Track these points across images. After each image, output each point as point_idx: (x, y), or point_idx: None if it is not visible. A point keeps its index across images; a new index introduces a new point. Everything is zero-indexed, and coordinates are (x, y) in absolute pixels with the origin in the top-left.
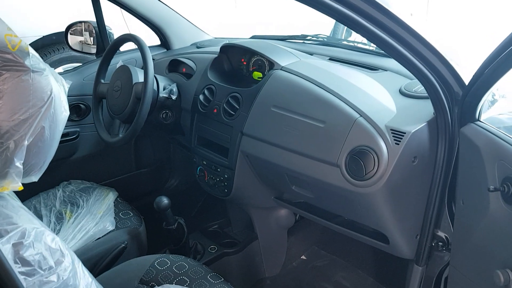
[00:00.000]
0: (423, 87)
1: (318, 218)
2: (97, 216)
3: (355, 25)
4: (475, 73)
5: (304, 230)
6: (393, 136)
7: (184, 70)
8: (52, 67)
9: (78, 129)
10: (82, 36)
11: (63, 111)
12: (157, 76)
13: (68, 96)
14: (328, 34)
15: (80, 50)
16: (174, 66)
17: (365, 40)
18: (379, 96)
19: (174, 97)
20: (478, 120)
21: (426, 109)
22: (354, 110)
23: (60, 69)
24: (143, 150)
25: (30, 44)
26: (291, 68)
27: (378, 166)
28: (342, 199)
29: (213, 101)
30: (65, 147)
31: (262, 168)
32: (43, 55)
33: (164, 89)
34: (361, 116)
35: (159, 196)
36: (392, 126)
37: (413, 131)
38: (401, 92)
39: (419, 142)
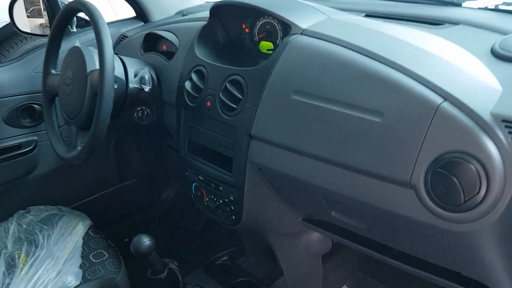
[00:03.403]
0: None
1: (369, 250)
2: (60, 261)
3: None
4: None
5: (343, 252)
6: (508, 131)
7: (164, 47)
8: None
9: (35, 138)
10: (43, 17)
11: None
12: (125, 59)
13: (14, 96)
14: None
15: (30, 32)
16: (151, 43)
17: None
18: (466, 65)
19: (146, 88)
20: None
21: None
22: (433, 90)
23: None
24: (128, 157)
25: None
26: (318, 30)
27: (488, 186)
28: (417, 237)
29: (204, 89)
30: (18, 164)
31: (283, 186)
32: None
33: (135, 77)
34: (446, 100)
35: (138, 234)
36: (503, 114)
37: None
38: (497, 54)
39: None
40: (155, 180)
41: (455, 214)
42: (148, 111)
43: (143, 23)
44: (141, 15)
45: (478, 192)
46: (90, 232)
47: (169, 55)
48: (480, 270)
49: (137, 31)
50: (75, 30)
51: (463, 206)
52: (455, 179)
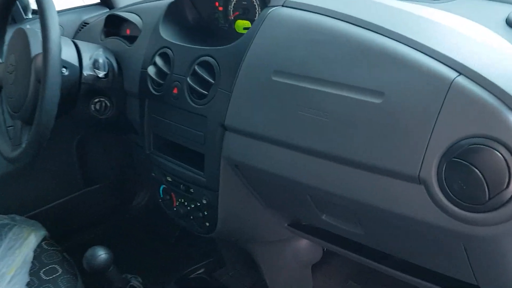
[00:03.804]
0: None
1: (366, 260)
2: (5, 280)
3: None
4: None
5: (335, 260)
6: None
7: (128, 31)
8: None
9: None
10: None
11: None
12: (80, 43)
13: None
14: None
15: None
16: (114, 27)
17: None
18: (481, 35)
19: (101, 74)
20: None
21: None
22: (444, 63)
23: None
24: (93, 158)
25: None
26: (303, 1)
27: None
28: (426, 243)
29: (170, 74)
30: None
31: (265, 186)
32: None
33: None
34: (461, 74)
35: (93, 247)
36: None
37: None
38: None
39: None
40: (125, 183)
41: (477, 215)
42: (108, 103)
43: (108, 10)
44: (106, 0)
45: (507, 187)
46: (43, 245)
47: (133, 39)
48: (505, 283)
49: (100, 17)
50: (30, 16)
51: (488, 205)
52: (476, 171)
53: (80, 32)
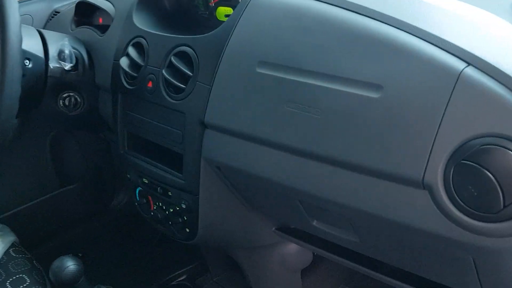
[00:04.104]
0: None
1: (361, 267)
2: None
3: None
4: None
5: (326, 264)
6: None
7: (100, 20)
8: None
9: None
10: None
11: None
12: (46, 33)
13: None
14: None
15: None
16: (85, 16)
17: None
18: (487, 22)
19: (67, 66)
20: None
21: None
22: (451, 53)
23: None
24: (69, 156)
25: None
26: None
27: None
28: (430, 254)
29: (144, 66)
30: None
31: (249, 190)
32: None
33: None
34: (470, 64)
35: (61, 257)
36: None
37: None
38: None
39: None
40: (104, 183)
41: (489, 225)
42: (78, 98)
43: None
44: None
45: None
46: (11, 252)
47: (105, 28)
48: None
49: (72, 5)
50: None
51: (502, 213)
52: (489, 175)
53: (50, 22)
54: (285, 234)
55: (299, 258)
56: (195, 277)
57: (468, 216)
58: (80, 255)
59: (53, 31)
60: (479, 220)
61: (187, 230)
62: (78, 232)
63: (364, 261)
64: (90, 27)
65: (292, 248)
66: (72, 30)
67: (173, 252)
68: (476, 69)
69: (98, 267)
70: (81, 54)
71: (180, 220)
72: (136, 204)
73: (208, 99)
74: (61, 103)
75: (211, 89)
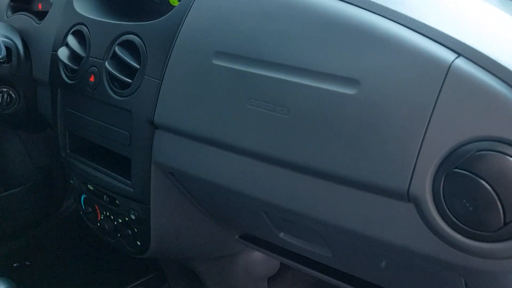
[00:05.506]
0: None
1: (333, 280)
2: None
3: None
4: None
5: (292, 270)
6: None
7: (40, 6)
8: None
9: None
10: None
11: None
12: None
13: None
14: None
15: None
16: (22, 1)
17: None
18: (476, 8)
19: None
20: None
21: None
22: (439, 42)
23: None
24: (13, 156)
25: None
26: None
27: None
28: (415, 274)
29: (86, 58)
30: None
31: (208, 198)
32: None
33: None
34: (460, 55)
35: None
36: None
37: None
38: None
39: None
40: (52, 186)
41: (487, 245)
42: (12, 94)
43: None
44: None
45: None
46: None
47: (43, 15)
48: None
49: None
50: None
51: (502, 232)
52: (487, 186)
53: None
54: (249, 242)
55: (265, 265)
56: None
57: (460, 234)
58: (27, 263)
59: None
60: (473, 239)
61: (138, 243)
62: (25, 239)
63: (337, 273)
64: (27, 14)
65: (257, 256)
66: (7, 17)
67: (128, 261)
68: (468, 61)
69: (47, 277)
70: (15, 44)
71: (129, 232)
72: (81, 213)
73: (158, 96)
74: None
75: (161, 84)
